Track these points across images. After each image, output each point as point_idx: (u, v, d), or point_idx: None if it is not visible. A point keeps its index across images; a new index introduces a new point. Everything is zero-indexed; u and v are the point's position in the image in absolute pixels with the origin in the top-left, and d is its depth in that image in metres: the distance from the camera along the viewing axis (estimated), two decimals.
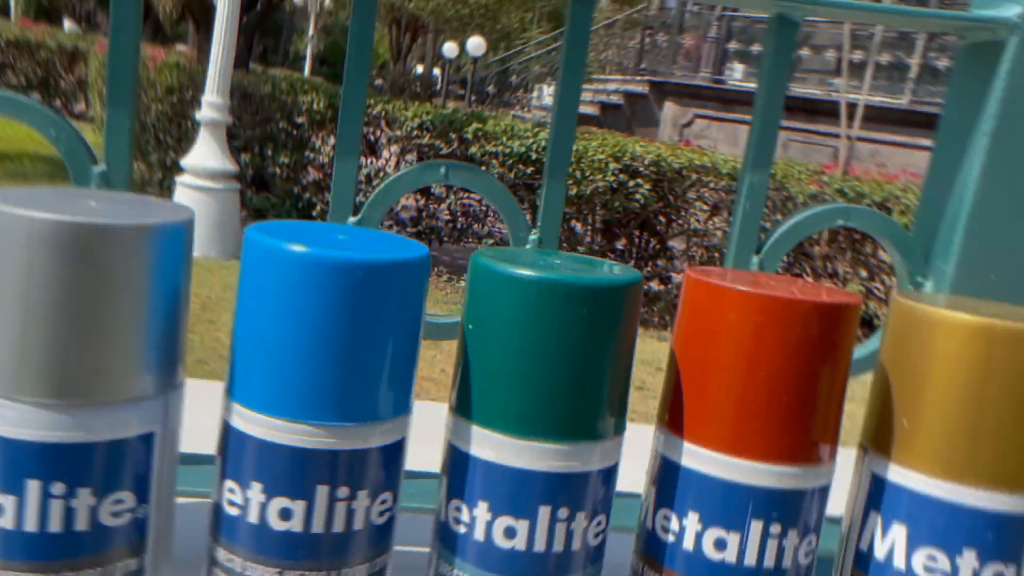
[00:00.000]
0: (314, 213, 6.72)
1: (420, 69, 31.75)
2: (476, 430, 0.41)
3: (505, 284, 0.40)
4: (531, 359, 0.40)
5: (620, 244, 6.37)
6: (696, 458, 0.42)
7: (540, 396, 0.40)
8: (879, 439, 0.44)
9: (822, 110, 11.31)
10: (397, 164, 6.80)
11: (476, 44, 19.79)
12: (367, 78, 0.69)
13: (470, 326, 0.41)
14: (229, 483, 0.40)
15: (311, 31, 29.65)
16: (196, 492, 0.51)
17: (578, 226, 6.25)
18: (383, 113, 6.66)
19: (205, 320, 4.58)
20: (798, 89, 13.53)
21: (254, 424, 0.39)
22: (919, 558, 0.42)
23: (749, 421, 0.41)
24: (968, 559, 0.42)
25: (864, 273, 6.55)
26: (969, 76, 0.72)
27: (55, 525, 0.37)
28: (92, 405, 0.37)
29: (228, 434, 0.40)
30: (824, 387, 0.42)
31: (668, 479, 0.43)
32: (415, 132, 6.42)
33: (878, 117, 12.05)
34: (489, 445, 0.40)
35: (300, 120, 6.65)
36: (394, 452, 0.41)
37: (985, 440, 0.42)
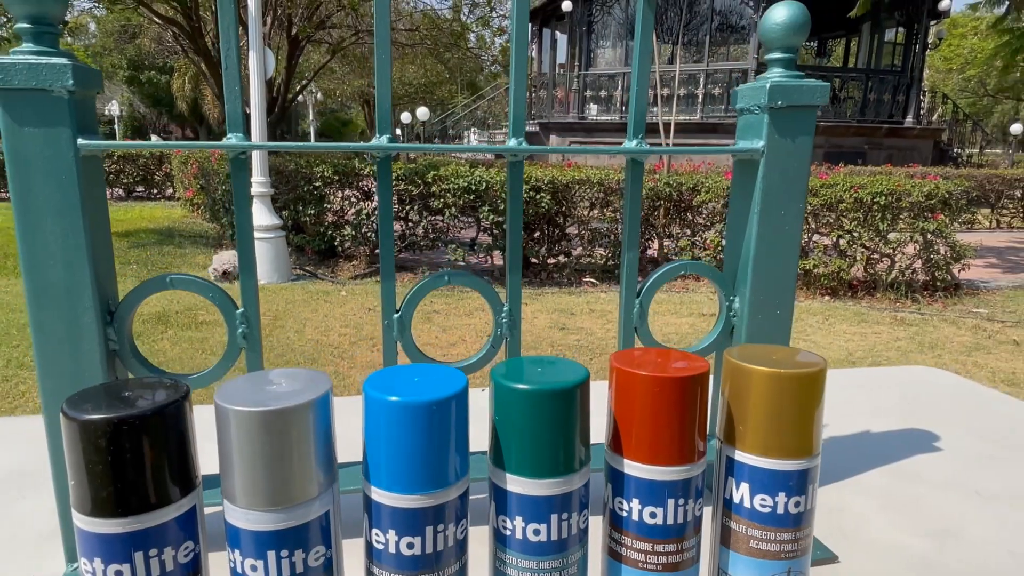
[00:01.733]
0: (335, 244, 6.59)
1: None
2: (509, 476, 0.44)
3: (512, 393, 0.44)
4: (534, 433, 0.44)
5: (536, 235, 6.34)
6: (632, 468, 0.46)
7: (542, 453, 0.44)
8: (728, 436, 0.49)
9: (647, 129, 11.38)
10: None
11: (423, 112, 19.39)
12: (393, 238, 0.72)
13: (497, 417, 0.45)
14: (375, 530, 0.43)
15: (311, 116, 28.81)
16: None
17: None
18: (371, 173, 6.55)
19: (277, 327, 4.50)
20: None
21: (384, 497, 0.42)
22: (756, 500, 0.48)
23: (658, 444, 0.45)
24: (781, 497, 0.47)
25: (688, 231, 6.64)
26: (742, 178, 0.77)
27: (287, 571, 0.41)
28: (294, 505, 0.41)
29: (369, 503, 0.43)
30: (696, 418, 0.46)
31: (617, 480, 0.47)
32: (394, 182, 6.32)
33: (683, 129, 12.12)
34: (517, 483, 0.44)
35: (317, 183, 6.49)
36: (464, 497, 0.44)
37: (781, 434, 0.47)
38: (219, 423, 0.40)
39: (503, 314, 0.75)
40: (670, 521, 0.46)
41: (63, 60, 0.59)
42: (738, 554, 0.49)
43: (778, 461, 0.47)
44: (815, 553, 0.72)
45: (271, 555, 0.41)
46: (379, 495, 0.43)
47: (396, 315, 0.72)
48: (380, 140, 0.68)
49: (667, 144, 9.98)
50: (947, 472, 0.92)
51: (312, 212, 6.60)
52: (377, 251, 6.22)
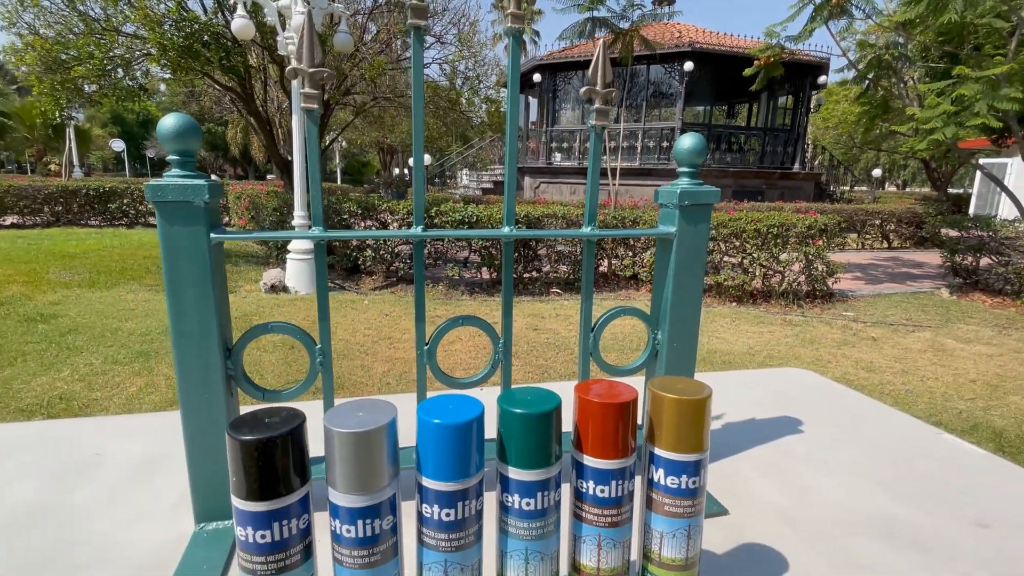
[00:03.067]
0: (359, 262, 6.60)
1: (396, 171, 30.82)
2: (510, 468, 0.53)
3: (512, 415, 0.52)
4: (526, 440, 0.52)
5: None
6: (589, 461, 0.55)
7: (530, 453, 0.52)
8: (650, 438, 0.58)
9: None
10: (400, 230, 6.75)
11: (427, 158, 19.40)
12: (424, 293, 0.80)
13: (502, 430, 0.53)
14: (424, 505, 0.51)
15: (338, 159, 28.65)
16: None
17: (492, 251, 6.30)
18: (387, 207, 6.60)
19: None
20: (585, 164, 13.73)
21: (431, 483, 0.50)
22: (668, 480, 0.56)
23: (605, 446, 0.54)
24: (684, 479, 0.56)
25: (631, 253, 6.76)
26: (662, 251, 0.84)
27: (368, 532, 0.49)
28: (377, 490, 0.49)
29: (421, 487, 0.51)
30: (629, 428, 0.55)
31: (579, 468, 0.56)
32: (405, 215, 6.37)
33: (625, 173, 12.30)
34: (516, 473, 0.52)
35: (344, 215, 6.51)
36: (481, 483, 0.52)
37: (682, 438, 0.55)
38: (327, 439, 0.48)
39: (499, 345, 0.83)
40: (613, 495, 0.55)
41: (201, 181, 0.67)
42: (657, 515, 0.58)
43: (682, 455, 0.56)
44: (713, 507, 0.82)
45: (360, 522, 0.49)
46: (428, 482, 0.51)
47: (426, 347, 0.81)
48: (416, 229, 0.77)
49: (614, 185, 10.09)
50: (807, 449, 1.01)
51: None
52: (391, 268, 6.16)
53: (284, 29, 5.94)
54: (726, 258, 6.25)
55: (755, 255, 6.02)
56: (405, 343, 4.21)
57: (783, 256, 6.05)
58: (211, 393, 0.71)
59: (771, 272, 6.16)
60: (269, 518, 0.47)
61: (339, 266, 6.83)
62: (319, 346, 0.77)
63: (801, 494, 0.87)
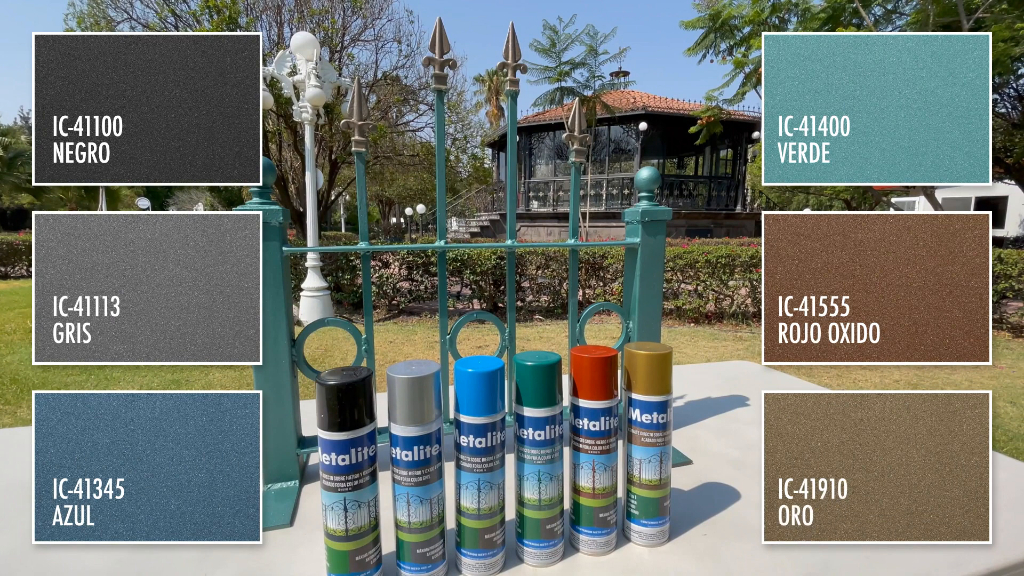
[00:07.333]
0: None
1: (394, 220, 30.97)
2: (525, 407, 0.61)
3: (523, 368, 0.61)
4: (534, 387, 0.60)
5: (501, 288, 6.52)
6: (583, 403, 0.63)
7: (540, 395, 0.60)
8: (628, 385, 0.66)
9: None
10: (399, 270, 6.81)
11: (421, 207, 19.61)
12: (447, 297, 0.89)
13: (518, 380, 0.62)
14: (462, 436, 0.59)
15: (342, 211, 28.78)
16: None
17: (481, 284, 6.37)
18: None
19: (328, 356, 4.53)
20: (562, 209, 14.00)
21: (467, 418, 0.59)
22: (643, 417, 0.65)
23: (595, 390, 0.62)
24: (655, 415, 0.64)
25: (601, 284, 6.91)
26: (630, 258, 0.94)
27: (421, 456, 0.57)
28: (425, 423, 0.57)
29: (459, 422, 0.60)
30: (612, 377, 0.63)
31: (576, 409, 0.64)
32: (405, 255, 6.47)
33: (594, 216, 12.60)
34: (529, 411, 0.60)
35: (351, 257, 6.57)
36: (503, 419, 0.60)
37: (652, 383, 0.64)
38: (390, 385, 0.57)
39: (505, 336, 0.93)
40: (603, 428, 0.63)
41: (276, 207, 0.77)
42: (636, 446, 0.66)
43: (652, 397, 0.65)
44: (680, 459, 0.90)
45: (415, 448, 0.57)
46: (464, 418, 0.59)
47: (448, 336, 0.90)
48: (440, 242, 0.87)
49: (584, 227, 10.32)
50: (751, 416, 1.10)
51: (348, 277, 6.66)
52: (393, 302, 6.16)
53: (299, 99, 6.12)
54: (683, 285, 6.42)
55: (707, 282, 6.20)
56: None
57: (731, 282, 6.24)
58: (280, 371, 0.79)
59: (722, 296, 6.34)
60: (348, 445, 0.55)
61: (346, 302, 6.84)
62: (364, 337, 0.85)
63: (746, 448, 0.96)
